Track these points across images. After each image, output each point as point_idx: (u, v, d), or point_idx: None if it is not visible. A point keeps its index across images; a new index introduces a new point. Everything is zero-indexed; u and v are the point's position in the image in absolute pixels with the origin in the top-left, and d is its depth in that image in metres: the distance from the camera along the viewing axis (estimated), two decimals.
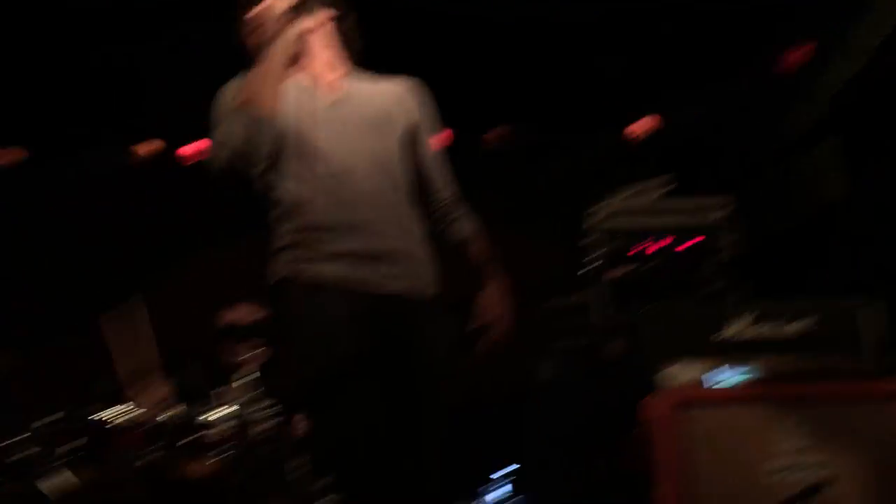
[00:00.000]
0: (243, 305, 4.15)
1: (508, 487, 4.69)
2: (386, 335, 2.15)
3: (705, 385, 3.22)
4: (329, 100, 2.29)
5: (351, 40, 2.43)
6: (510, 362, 5.73)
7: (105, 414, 3.36)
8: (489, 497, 4.47)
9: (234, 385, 3.52)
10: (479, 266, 2.45)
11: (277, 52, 2.17)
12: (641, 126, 6.02)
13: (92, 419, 3.31)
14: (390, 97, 2.38)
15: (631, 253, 4.22)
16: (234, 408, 3.48)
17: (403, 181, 2.32)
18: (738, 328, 3.31)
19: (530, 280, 5.17)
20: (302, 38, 2.24)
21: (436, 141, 2.45)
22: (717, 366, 3.29)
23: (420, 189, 2.39)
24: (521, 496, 4.56)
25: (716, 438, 3.11)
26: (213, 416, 3.40)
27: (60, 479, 3.20)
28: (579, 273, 4.37)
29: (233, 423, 3.41)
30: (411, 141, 2.38)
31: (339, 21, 2.39)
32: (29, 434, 3.25)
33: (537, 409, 4.66)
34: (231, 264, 6.07)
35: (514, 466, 4.74)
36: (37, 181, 5.81)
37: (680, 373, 3.29)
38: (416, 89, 2.45)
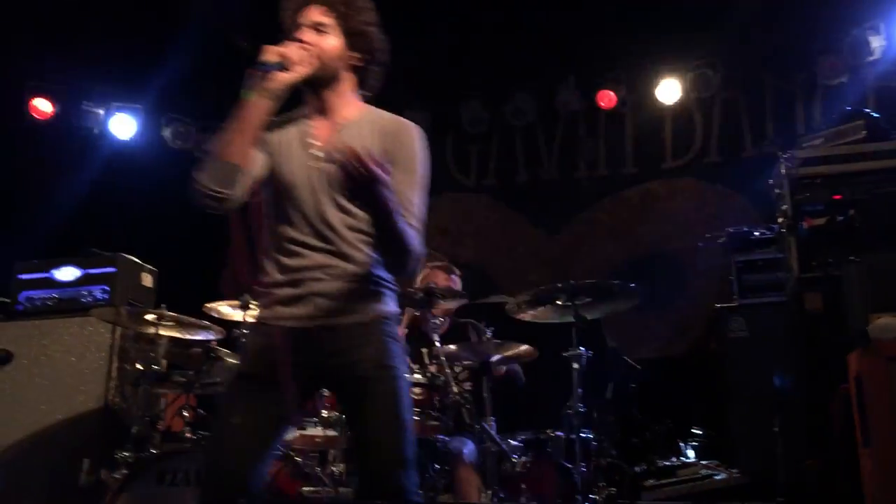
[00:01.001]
0: (441, 271, 4.30)
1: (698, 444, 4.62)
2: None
3: None
4: (315, 153, 2.36)
5: (367, 86, 2.47)
6: (698, 320, 5.66)
7: None
8: (689, 452, 4.42)
9: (434, 348, 3.65)
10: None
11: (251, 103, 2.24)
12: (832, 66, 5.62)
13: None
14: (373, 144, 2.36)
15: (831, 200, 4.01)
16: (434, 370, 3.63)
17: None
18: None
19: (719, 232, 5.06)
20: (285, 89, 2.28)
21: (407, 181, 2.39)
22: None
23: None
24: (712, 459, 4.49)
25: None
26: (415, 377, 3.55)
27: None
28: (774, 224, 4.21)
29: (434, 384, 3.55)
30: None
31: (358, 70, 2.42)
32: None
33: (731, 366, 4.54)
34: None
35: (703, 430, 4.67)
36: None
37: (892, 325, 3.12)
38: (400, 130, 2.43)
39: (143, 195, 6.08)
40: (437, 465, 3.64)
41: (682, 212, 6.08)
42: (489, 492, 3.45)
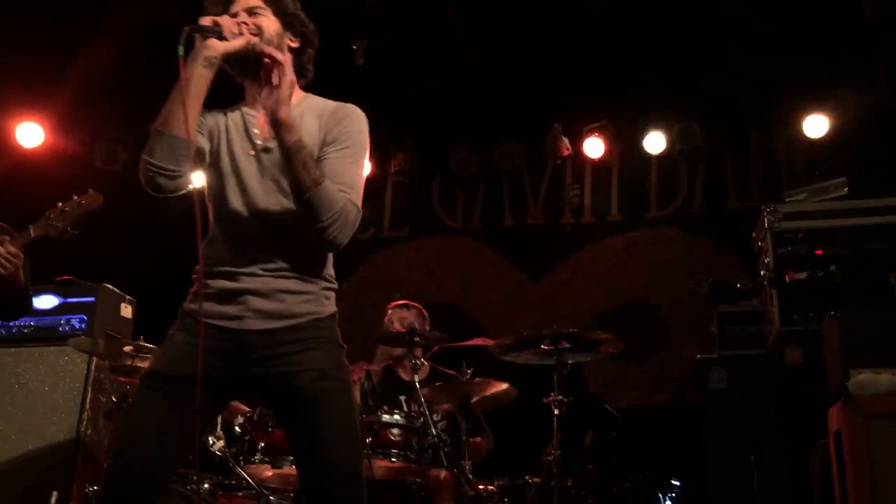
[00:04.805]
0: (417, 311, 4.29)
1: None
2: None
3: None
4: (257, 145, 2.31)
5: (305, 71, 2.44)
6: (680, 371, 5.67)
7: None
8: (667, 503, 4.38)
9: (416, 391, 3.63)
10: None
11: (191, 74, 2.18)
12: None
13: None
14: (313, 128, 2.34)
15: (811, 255, 4.05)
16: (411, 412, 3.60)
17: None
18: None
19: (702, 283, 5.08)
20: (217, 62, 2.21)
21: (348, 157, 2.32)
22: None
23: None
24: None
25: None
26: (395, 418, 3.51)
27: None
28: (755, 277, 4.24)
29: (412, 425, 3.52)
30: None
31: (296, 53, 2.40)
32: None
33: (711, 417, 4.52)
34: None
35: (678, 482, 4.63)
36: None
37: (872, 382, 3.13)
38: (341, 113, 2.38)
39: (121, 223, 6.04)
40: None
41: (665, 262, 6.11)
42: None
